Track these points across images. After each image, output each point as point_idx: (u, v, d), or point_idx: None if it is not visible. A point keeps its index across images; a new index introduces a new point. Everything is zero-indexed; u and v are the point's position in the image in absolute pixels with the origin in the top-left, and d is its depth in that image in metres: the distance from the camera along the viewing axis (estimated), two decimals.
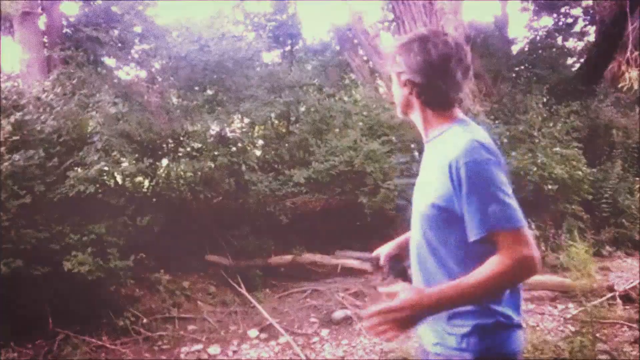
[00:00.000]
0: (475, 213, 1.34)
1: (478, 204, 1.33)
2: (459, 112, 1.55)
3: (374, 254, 1.79)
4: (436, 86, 1.48)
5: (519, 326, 1.46)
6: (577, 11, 12.74)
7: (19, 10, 7.01)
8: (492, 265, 1.31)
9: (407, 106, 1.58)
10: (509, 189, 1.36)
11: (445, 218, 1.42)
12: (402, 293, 1.37)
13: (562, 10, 12.69)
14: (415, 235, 1.56)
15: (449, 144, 1.44)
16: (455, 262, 1.43)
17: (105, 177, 5.41)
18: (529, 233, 1.34)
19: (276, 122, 8.67)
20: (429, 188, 1.47)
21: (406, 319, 1.33)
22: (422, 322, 1.39)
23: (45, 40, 7.50)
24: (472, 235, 1.35)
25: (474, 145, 1.38)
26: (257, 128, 8.35)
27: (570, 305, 4.94)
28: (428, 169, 1.54)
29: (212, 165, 6.22)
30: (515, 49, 12.39)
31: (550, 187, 6.75)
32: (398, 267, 1.74)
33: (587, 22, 12.72)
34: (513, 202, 1.35)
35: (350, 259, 5.79)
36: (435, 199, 1.43)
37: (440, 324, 1.47)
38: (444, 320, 1.46)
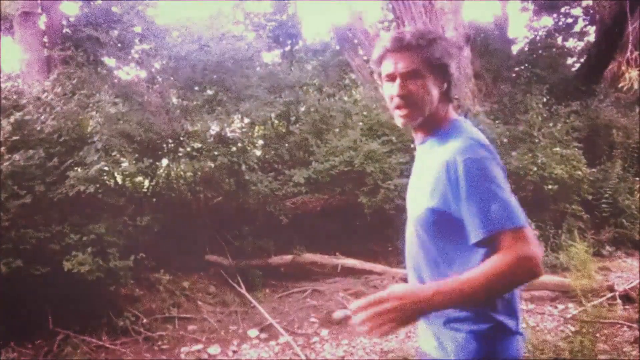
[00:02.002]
0: (476, 214, 1.29)
1: (478, 204, 1.29)
2: (454, 112, 1.54)
3: None
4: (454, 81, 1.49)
5: (518, 332, 1.43)
6: (577, 11, 12.74)
7: (19, 10, 7.02)
8: (493, 264, 1.25)
9: (431, 106, 1.46)
10: (507, 187, 1.33)
11: (442, 221, 1.38)
12: (391, 287, 1.32)
13: (562, 10, 12.69)
14: (411, 240, 1.52)
15: (444, 144, 1.41)
16: (452, 268, 1.37)
17: (105, 177, 5.42)
18: (531, 231, 1.30)
19: (276, 122, 8.67)
20: (424, 191, 1.42)
21: (398, 309, 1.25)
22: (418, 317, 1.32)
23: (45, 40, 7.50)
24: (474, 236, 1.30)
25: (471, 143, 1.36)
26: (257, 128, 8.34)
27: (570, 305, 4.94)
28: (423, 171, 1.49)
29: (212, 165, 6.22)
30: (515, 49, 12.38)
31: (550, 187, 6.75)
32: None
33: (587, 22, 12.72)
34: (513, 200, 1.31)
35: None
36: (431, 202, 1.39)
37: (437, 329, 1.45)
38: (441, 325, 1.44)
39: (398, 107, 1.46)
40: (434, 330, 1.47)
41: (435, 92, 1.45)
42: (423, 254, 1.47)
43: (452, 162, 1.34)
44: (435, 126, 1.49)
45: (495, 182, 1.31)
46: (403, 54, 1.43)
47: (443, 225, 1.39)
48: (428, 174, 1.43)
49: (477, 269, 1.28)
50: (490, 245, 1.29)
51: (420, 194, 1.44)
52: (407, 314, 1.27)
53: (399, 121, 1.50)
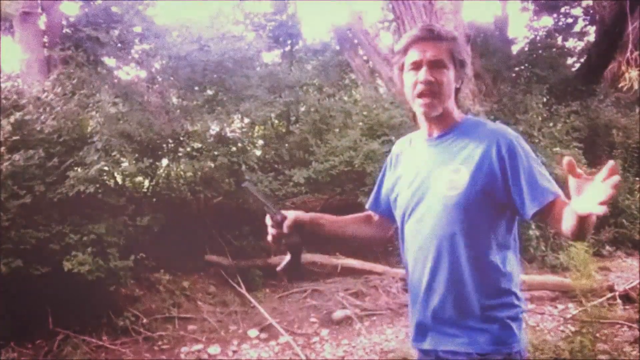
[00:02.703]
0: (528, 190, 1.39)
1: (529, 181, 1.40)
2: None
3: (285, 212, 1.66)
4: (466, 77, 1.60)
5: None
6: (577, 11, 12.74)
7: (19, 10, 7.02)
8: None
9: (449, 98, 1.53)
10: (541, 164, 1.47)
11: (485, 200, 1.44)
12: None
13: (562, 10, 12.68)
14: (436, 231, 1.49)
15: (473, 134, 1.49)
16: (491, 249, 1.45)
17: (105, 177, 5.41)
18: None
19: (276, 122, 8.67)
20: (458, 177, 1.45)
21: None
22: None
23: (45, 40, 7.49)
24: (530, 209, 1.39)
25: (503, 127, 1.49)
26: (257, 128, 8.35)
27: (570, 305, 4.95)
28: (446, 161, 1.50)
29: (212, 165, 6.21)
30: (515, 49, 12.39)
31: None
32: (296, 241, 1.67)
33: (587, 22, 12.72)
34: (547, 173, 1.45)
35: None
36: (475, 185, 1.43)
37: (471, 322, 1.45)
38: (476, 316, 1.45)
39: (420, 95, 1.50)
40: (466, 324, 1.46)
41: (453, 86, 1.53)
42: (459, 239, 1.46)
43: (496, 145, 1.43)
44: (451, 121, 1.55)
45: (535, 159, 1.45)
46: (432, 43, 1.50)
47: (484, 203, 1.44)
48: (457, 162, 1.48)
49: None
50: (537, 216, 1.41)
51: (453, 180, 1.46)
52: None
53: (419, 110, 1.54)
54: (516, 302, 1.48)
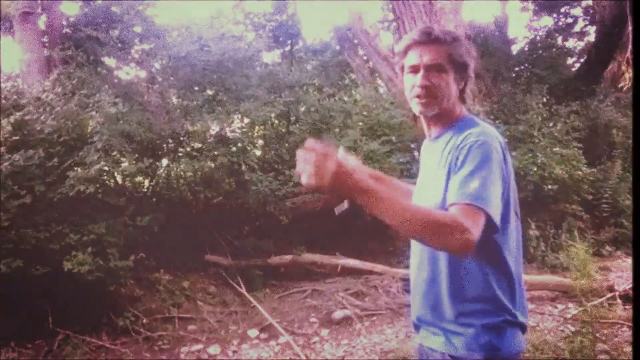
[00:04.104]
0: (461, 181, 1.34)
1: (467, 175, 1.34)
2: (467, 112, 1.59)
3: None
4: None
5: (523, 327, 1.47)
6: (577, 11, 12.74)
7: (19, 10, 7.02)
8: (435, 211, 1.35)
9: (449, 100, 1.51)
10: (499, 182, 1.36)
11: None
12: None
13: (562, 10, 12.68)
14: None
15: (462, 133, 1.45)
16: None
17: (105, 177, 5.42)
18: (487, 224, 1.31)
19: (276, 122, 8.65)
20: (437, 182, 1.45)
21: (323, 167, 1.27)
22: (335, 183, 1.29)
23: (45, 40, 7.50)
24: (451, 198, 1.34)
25: (485, 131, 1.43)
26: (257, 128, 8.34)
27: (570, 305, 4.94)
28: (441, 161, 1.49)
29: (212, 165, 6.21)
30: (515, 49, 12.38)
31: (550, 187, 6.74)
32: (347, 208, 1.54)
33: (587, 22, 12.71)
34: (495, 192, 1.34)
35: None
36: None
37: (446, 324, 1.47)
38: (450, 320, 1.45)
39: (418, 97, 1.50)
40: (442, 325, 1.48)
41: (454, 89, 1.51)
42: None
43: (463, 141, 1.40)
44: (451, 121, 1.54)
45: (489, 168, 1.35)
46: (429, 47, 1.48)
47: None
48: (444, 164, 1.46)
49: (419, 206, 1.42)
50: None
51: (435, 186, 1.47)
52: (327, 176, 1.28)
53: (416, 109, 1.54)
54: (497, 310, 1.43)
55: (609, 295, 4.82)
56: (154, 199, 6.40)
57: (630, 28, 7.85)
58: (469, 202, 1.30)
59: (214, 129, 6.94)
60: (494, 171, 1.36)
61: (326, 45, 11.89)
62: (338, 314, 5.03)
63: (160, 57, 7.36)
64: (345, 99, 9.51)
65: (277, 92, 7.69)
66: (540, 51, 11.88)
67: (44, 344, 4.26)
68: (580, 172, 7.02)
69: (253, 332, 4.79)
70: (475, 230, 1.27)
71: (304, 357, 4.26)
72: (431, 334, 1.52)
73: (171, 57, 7.07)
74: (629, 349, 3.81)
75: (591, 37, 12.36)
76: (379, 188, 1.32)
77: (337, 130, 7.41)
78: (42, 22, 7.56)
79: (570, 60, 12.61)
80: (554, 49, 12.18)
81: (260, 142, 8.15)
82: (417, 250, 1.56)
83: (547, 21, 13.00)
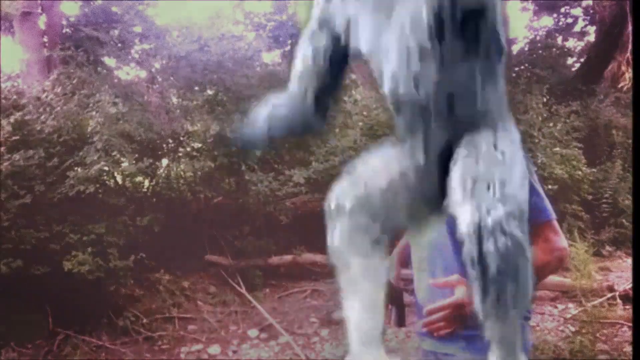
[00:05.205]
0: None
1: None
2: None
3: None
4: None
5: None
6: (577, 11, 12.72)
7: (19, 10, 7.02)
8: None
9: None
10: None
11: None
12: (459, 290, 1.34)
13: (562, 10, 12.66)
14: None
15: None
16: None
17: (105, 177, 5.41)
18: None
19: None
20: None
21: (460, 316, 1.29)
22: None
23: (45, 40, 7.49)
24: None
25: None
26: None
27: (570, 305, 4.94)
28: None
29: (212, 165, 6.21)
30: (515, 49, 12.36)
31: (550, 187, 6.74)
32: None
33: (587, 22, 12.69)
34: None
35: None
36: None
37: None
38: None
39: None
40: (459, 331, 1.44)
41: None
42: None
43: None
44: None
45: None
46: None
47: None
48: None
49: None
50: None
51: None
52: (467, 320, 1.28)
53: None
54: None
55: (609, 295, 4.82)
56: (154, 199, 6.40)
57: (630, 28, 7.86)
58: None
59: (214, 129, 6.94)
60: None
61: None
62: (338, 314, 5.03)
63: (160, 57, 7.36)
64: (345, 99, 9.49)
65: (277, 92, 7.68)
66: (540, 51, 11.88)
67: (44, 344, 4.27)
68: (580, 172, 7.02)
69: (253, 332, 4.79)
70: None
71: (304, 357, 4.26)
72: (447, 338, 1.47)
73: (171, 57, 7.07)
74: (629, 349, 3.81)
75: (591, 37, 12.35)
76: None
77: (337, 130, 7.40)
78: (42, 22, 7.56)
79: (570, 60, 12.60)
80: (554, 49, 12.17)
81: None
82: (427, 254, 1.60)
83: (547, 21, 12.99)
